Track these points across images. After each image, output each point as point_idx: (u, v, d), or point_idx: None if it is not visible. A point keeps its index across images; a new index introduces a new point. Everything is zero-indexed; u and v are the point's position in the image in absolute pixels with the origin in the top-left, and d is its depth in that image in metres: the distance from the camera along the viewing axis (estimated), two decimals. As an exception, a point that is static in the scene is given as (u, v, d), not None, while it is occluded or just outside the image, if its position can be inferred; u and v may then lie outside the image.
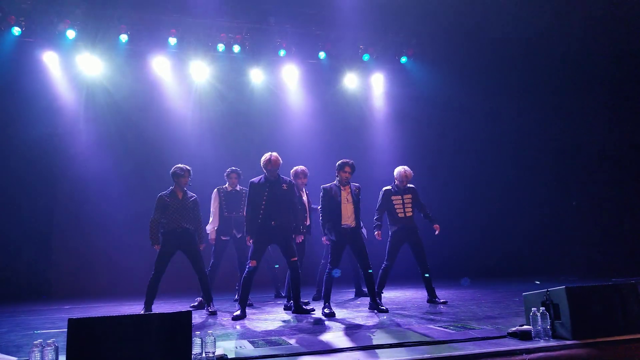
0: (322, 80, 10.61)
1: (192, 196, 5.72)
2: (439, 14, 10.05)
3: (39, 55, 8.98)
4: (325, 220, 5.39)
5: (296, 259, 5.27)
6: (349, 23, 9.82)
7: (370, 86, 11.07)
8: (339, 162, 5.59)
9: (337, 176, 5.57)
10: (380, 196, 6.14)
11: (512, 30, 9.51)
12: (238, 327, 4.53)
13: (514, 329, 3.50)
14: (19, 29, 8.48)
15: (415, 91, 10.73)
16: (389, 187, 6.17)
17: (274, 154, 5.47)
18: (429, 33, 10.36)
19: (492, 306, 5.24)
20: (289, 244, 5.27)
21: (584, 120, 8.86)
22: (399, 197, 6.05)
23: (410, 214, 5.99)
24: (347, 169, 5.54)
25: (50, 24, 8.54)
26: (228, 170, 6.70)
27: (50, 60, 9.08)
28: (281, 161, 5.51)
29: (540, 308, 3.44)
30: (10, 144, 8.72)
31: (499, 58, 9.92)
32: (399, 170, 6.18)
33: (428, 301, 5.89)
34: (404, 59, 10.60)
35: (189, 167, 5.71)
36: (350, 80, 10.95)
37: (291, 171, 6.24)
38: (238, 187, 6.61)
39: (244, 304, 5.16)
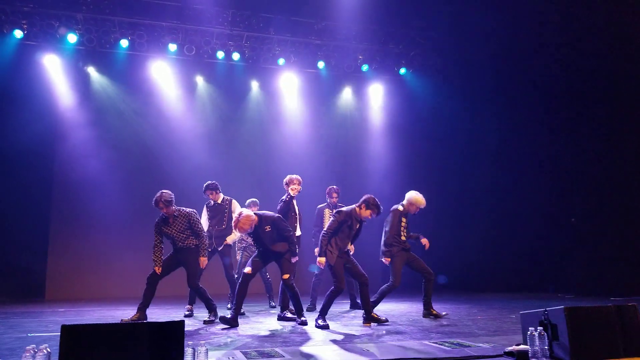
0: (321, 90, 10.67)
1: (183, 215, 5.54)
2: (439, 26, 10.15)
3: (40, 58, 9.01)
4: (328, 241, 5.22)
5: (288, 276, 5.24)
6: (349, 33, 9.89)
7: (369, 97, 11.13)
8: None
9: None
10: (393, 216, 5.83)
11: (513, 41, 9.58)
12: (230, 337, 4.49)
13: (510, 348, 3.47)
14: (21, 32, 8.51)
15: (413, 103, 10.80)
16: (400, 208, 5.91)
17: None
18: (429, 45, 10.43)
19: (488, 323, 5.21)
20: (280, 264, 5.32)
21: (584, 138, 8.87)
22: (405, 220, 5.88)
23: (406, 235, 5.91)
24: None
25: (51, 28, 8.57)
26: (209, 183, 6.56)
27: (51, 63, 9.11)
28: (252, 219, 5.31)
29: (538, 328, 3.42)
30: (8, 145, 8.70)
31: (499, 70, 9.98)
32: (419, 199, 5.86)
33: (423, 315, 5.86)
34: (403, 71, 10.66)
35: (162, 197, 5.36)
36: (349, 90, 11.01)
37: (285, 179, 6.17)
38: (219, 200, 6.52)
39: (237, 312, 5.14)
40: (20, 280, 8.66)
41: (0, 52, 8.56)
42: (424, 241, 5.91)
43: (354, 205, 5.32)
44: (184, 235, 5.47)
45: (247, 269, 5.21)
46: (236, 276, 6.55)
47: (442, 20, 10.01)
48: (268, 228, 5.22)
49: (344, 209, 5.31)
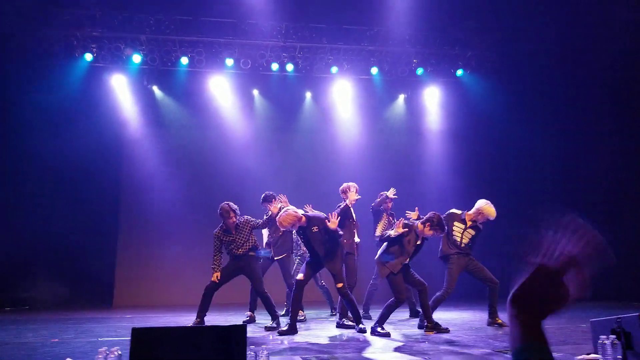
0: (375, 96, 10.61)
1: (245, 221, 5.74)
2: (494, 26, 9.84)
3: (109, 79, 9.62)
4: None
5: (342, 284, 5.19)
6: (402, 37, 9.77)
7: (425, 101, 10.93)
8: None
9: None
10: (447, 220, 5.61)
11: (572, 39, 9.12)
12: (290, 343, 4.54)
13: (580, 357, 3.29)
14: (91, 55, 9.12)
15: (471, 105, 10.48)
16: (458, 212, 5.80)
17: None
18: (485, 45, 10.12)
19: (556, 332, 4.95)
20: (332, 272, 5.26)
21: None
22: (462, 227, 5.70)
23: (466, 242, 5.71)
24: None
25: (118, 50, 9.12)
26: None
27: (118, 82, 9.70)
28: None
29: (610, 336, 3.21)
30: (80, 160, 9.33)
31: (558, 69, 9.51)
32: (489, 210, 5.67)
33: (488, 324, 5.65)
34: (460, 72, 10.37)
35: (231, 207, 5.62)
36: (404, 95, 10.87)
37: (342, 186, 6.17)
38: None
39: (293, 319, 5.15)
40: (90, 287, 9.21)
41: (73, 74, 9.22)
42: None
43: (418, 221, 5.18)
44: (247, 241, 5.63)
45: (300, 275, 5.23)
46: (323, 284, 6.76)
47: (498, 19, 9.70)
48: (315, 229, 5.14)
49: (409, 222, 5.18)
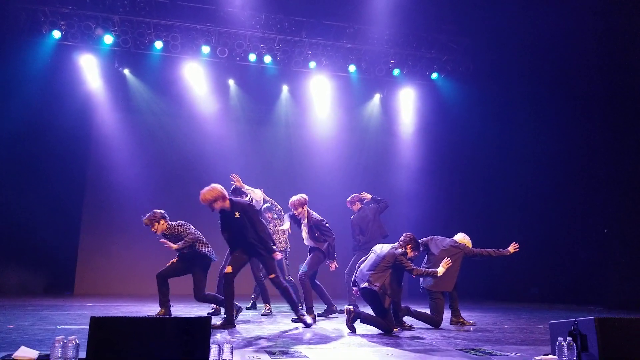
0: (351, 94, 10.65)
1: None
2: (472, 31, 10.01)
3: (77, 59, 9.29)
4: None
5: (274, 275, 5.06)
6: (381, 37, 9.84)
7: (400, 101, 11.04)
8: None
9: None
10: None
11: (546, 45, 9.35)
12: (256, 336, 4.51)
13: (538, 357, 3.38)
14: (59, 33, 8.78)
15: (445, 108, 10.67)
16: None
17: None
18: (461, 50, 10.29)
19: (515, 332, 5.08)
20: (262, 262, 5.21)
21: (622, 144, 8.56)
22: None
23: None
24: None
25: (88, 29, 8.82)
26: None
27: (87, 63, 9.38)
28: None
29: (567, 338, 3.31)
30: (44, 141, 9.02)
31: (532, 74, 9.75)
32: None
33: (451, 322, 5.77)
34: (434, 75, 10.53)
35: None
36: (380, 95, 10.95)
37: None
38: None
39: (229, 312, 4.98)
40: (50, 274, 8.93)
41: (39, 52, 8.86)
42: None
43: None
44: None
45: (228, 268, 4.95)
46: (290, 278, 6.83)
47: (475, 25, 9.87)
48: (237, 215, 4.88)
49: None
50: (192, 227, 5.60)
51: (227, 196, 4.93)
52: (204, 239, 5.53)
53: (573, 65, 9.07)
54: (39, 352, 2.94)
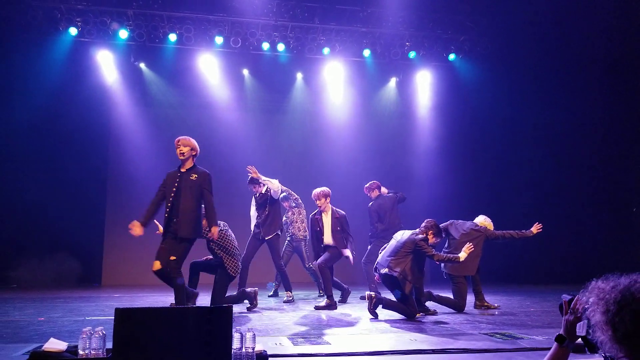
0: (367, 78, 10.51)
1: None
2: (488, 10, 9.74)
3: (94, 55, 9.38)
4: None
5: (174, 258, 4.63)
6: (395, 20, 9.64)
7: (417, 84, 10.86)
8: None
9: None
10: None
11: (565, 23, 9.06)
12: (278, 323, 4.54)
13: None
14: (76, 30, 8.86)
15: (463, 89, 10.44)
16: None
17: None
18: (479, 30, 10.03)
19: (542, 316, 5.01)
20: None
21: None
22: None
23: None
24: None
25: (104, 24, 8.87)
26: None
27: (104, 58, 9.47)
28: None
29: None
30: (66, 139, 9.18)
31: (551, 53, 9.46)
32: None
33: (475, 306, 5.72)
34: (452, 57, 10.28)
35: None
36: (396, 78, 10.80)
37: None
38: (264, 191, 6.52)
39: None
40: (79, 266, 9.14)
41: (57, 49, 8.96)
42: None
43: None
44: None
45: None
46: (310, 266, 6.87)
47: (492, 3, 9.60)
48: (194, 177, 4.68)
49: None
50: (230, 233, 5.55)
51: (197, 150, 4.84)
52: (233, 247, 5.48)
53: (596, 43, 8.76)
54: (67, 343, 3.01)
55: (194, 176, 4.74)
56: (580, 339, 1.59)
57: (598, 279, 1.45)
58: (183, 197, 4.67)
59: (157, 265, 4.59)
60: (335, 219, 5.97)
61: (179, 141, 4.82)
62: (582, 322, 1.55)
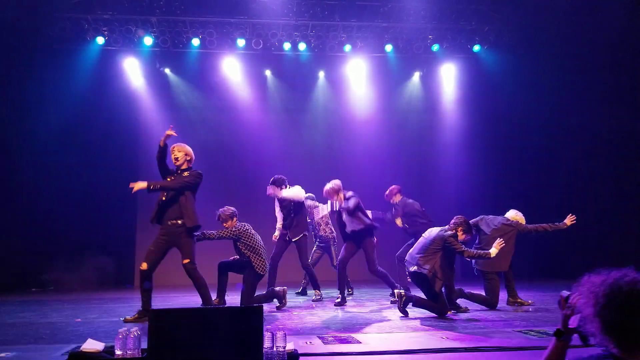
0: (390, 74, 10.41)
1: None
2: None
3: (121, 62, 9.61)
4: None
5: (188, 260, 5.10)
6: (417, 13, 9.49)
7: (441, 77, 10.69)
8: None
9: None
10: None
11: (593, 11, 8.75)
12: (308, 322, 4.55)
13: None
14: (103, 39, 9.09)
15: (489, 81, 10.21)
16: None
17: None
18: (503, 20, 9.80)
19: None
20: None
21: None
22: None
23: None
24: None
25: (129, 32, 9.07)
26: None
27: (130, 66, 9.68)
28: None
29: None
30: (96, 145, 9.44)
31: (580, 43, 9.16)
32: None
33: (508, 303, 5.61)
34: (477, 48, 10.06)
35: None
36: (420, 72, 10.67)
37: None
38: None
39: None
40: (112, 268, 9.37)
41: (85, 58, 9.21)
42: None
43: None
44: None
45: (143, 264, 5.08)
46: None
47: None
48: (187, 174, 5.15)
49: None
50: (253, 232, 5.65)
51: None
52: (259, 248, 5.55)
53: (630, 31, 8.42)
54: (104, 344, 3.09)
55: (186, 174, 5.15)
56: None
57: (591, 273, 1.52)
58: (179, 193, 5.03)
59: (144, 265, 5.13)
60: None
61: (173, 147, 5.08)
62: (575, 316, 1.62)
